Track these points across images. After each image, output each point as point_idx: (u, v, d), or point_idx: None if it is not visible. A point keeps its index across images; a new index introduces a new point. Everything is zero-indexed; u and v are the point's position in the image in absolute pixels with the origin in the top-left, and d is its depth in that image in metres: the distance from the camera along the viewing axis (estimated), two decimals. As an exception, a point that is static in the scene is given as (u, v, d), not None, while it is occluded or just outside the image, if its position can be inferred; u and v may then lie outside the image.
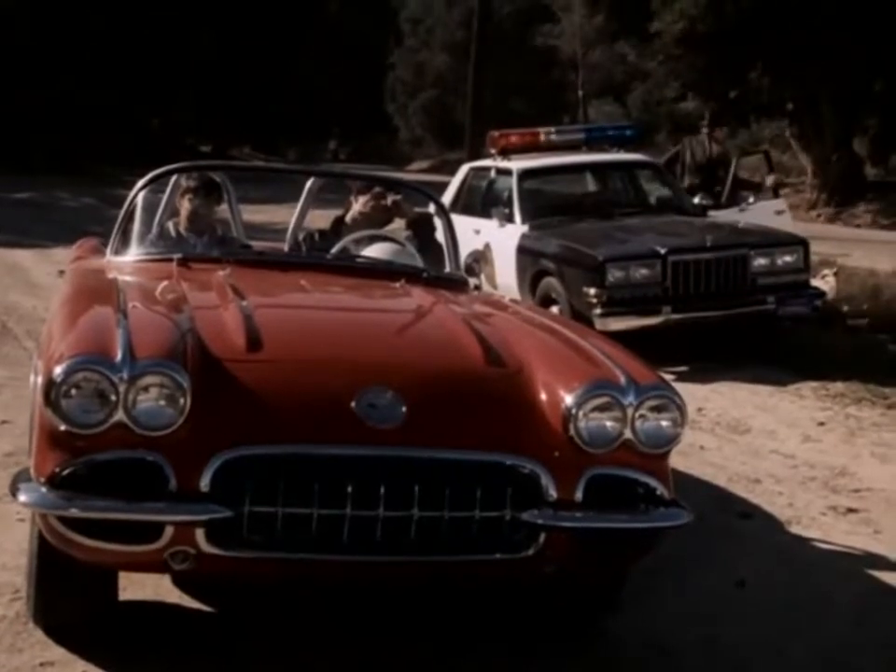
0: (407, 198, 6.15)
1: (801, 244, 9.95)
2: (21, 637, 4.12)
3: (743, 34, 22.60)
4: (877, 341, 10.24)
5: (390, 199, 5.96)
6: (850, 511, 6.12)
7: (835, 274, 11.68)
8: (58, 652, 4.01)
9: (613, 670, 4.17)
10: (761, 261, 9.61)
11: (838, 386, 8.69)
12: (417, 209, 6.35)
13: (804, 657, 4.37)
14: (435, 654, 4.18)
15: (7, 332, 9.70)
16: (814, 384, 8.80)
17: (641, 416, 3.83)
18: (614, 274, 9.34)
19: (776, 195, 12.28)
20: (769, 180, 12.31)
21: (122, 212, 5.58)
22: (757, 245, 9.78)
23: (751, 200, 11.61)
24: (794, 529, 5.85)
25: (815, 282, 10.71)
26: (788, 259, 9.76)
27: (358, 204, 5.94)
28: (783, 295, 9.51)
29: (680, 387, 4.47)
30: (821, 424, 7.88)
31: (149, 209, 5.62)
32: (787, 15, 22.00)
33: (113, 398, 3.53)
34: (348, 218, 5.93)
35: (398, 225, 6.06)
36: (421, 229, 6.00)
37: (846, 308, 11.03)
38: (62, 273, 5.69)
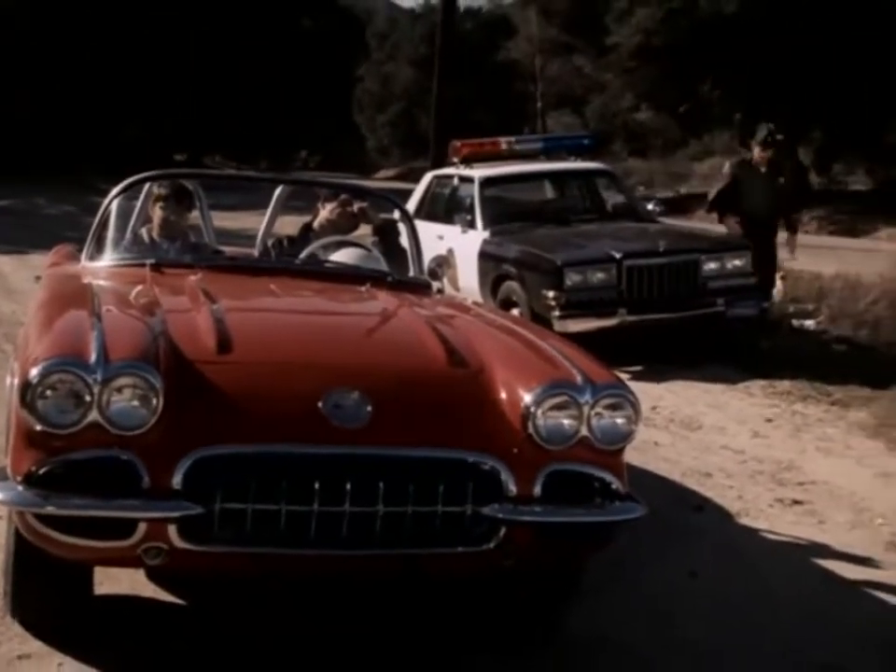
0: (373, 205, 6.13)
1: (749, 249, 9.99)
2: (-1, 631, 4.09)
3: (696, 48, 22.71)
4: (822, 340, 10.31)
5: (356, 206, 5.94)
6: (796, 502, 6.16)
7: (782, 278, 11.72)
8: (35, 645, 3.98)
9: (569, 661, 4.16)
10: (711, 265, 9.66)
11: (785, 385, 8.76)
12: (383, 216, 6.33)
13: (754, 645, 4.37)
14: (395, 648, 4.15)
15: (-15, 336, 9.62)
16: (762, 382, 8.86)
17: (597, 414, 3.83)
18: (572, 278, 9.37)
19: None
20: None
21: (97, 219, 5.54)
22: (707, 249, 9.84)
23: None
24: (743, 521, 5.88)
25: (763, 285, 10.74)
26: (737, 262, 9.81)
27: (326, 211, 5.92)
28: (732, 298, 9.56)
29: (635, 386, 4.48)
30: (769, 420, 7.92)
31: (123, 216, 5.59)
32: (737, 32, 22.14)
33: (87, 398, 3.50)
34: (316, 225, 5.91)
35: (364, 231, 6.05)
36: (386, 235, 5.98)
37: (792, 309, 11.10)
38: (38, 278, 5.62)
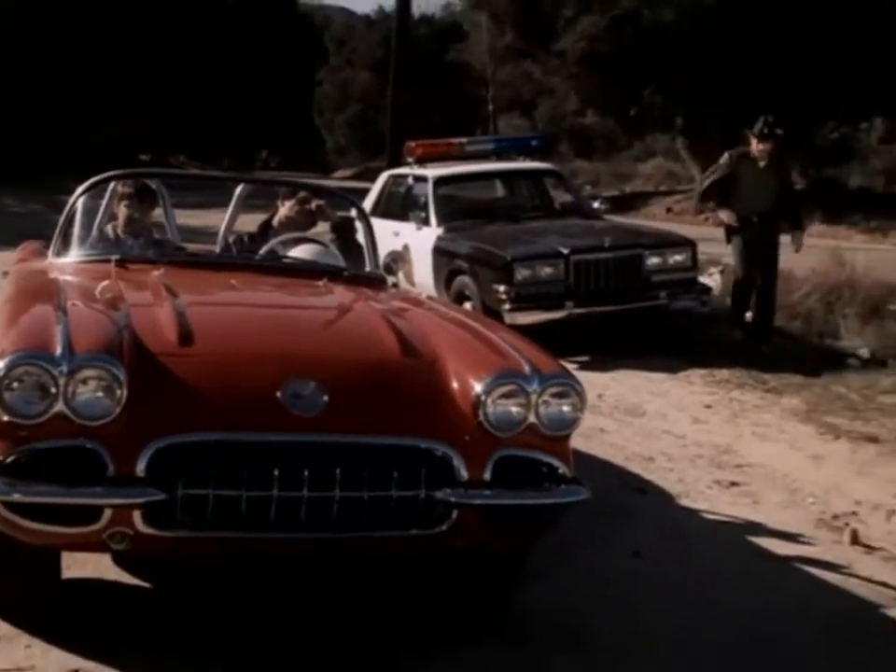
0: (330, 203, 6.12)
1: (690, 244, 10.07)
2: (-32, 614, 4.04)
3: (638, 55, 22.82)
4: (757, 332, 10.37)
5: (314, 204, 5.92)
6: (733, 484, 6.21)
7: (721, 272, 11.81)
8: (3, 628, 3.94)
9: (518, 642, 4.16)
10: (654, 260, 9.71)
11: (723, 373, 8.83)
12: (340, 213, 6.31)
13: (692, 619, 4.40)
14: (362, 636, 4.14)
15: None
16: (702, 371, 8.93)
17: (544, 402, 3.84)
18: (521, 273, 9.39)
19: None
20: None
21: (63, 216, 5.48)
22: (650, 245, 9.88)
23: None
24: (684, 502, 5.92)
25: (703, 279, 10.82)
26: (678, 258, 9.87)
27: (285, 209, 5.90)
28: (674, 291, 9.62)
29: (582, 376, 4.50)
30: (708, 407, 7.98)
31: (89, 213, 5.53)
32: (677, 39, 22.29)
33: (53, 390, 3.48)
34: (275, 222, 5.89)
35: (322, 228, 6.02)
36: (343, 231, 5.97)
37: (729, 302, 11.15)
38: (5, 274, 5.56)
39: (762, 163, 9.64)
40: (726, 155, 9.98)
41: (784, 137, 9.80)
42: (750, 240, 9.61)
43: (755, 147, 9.64)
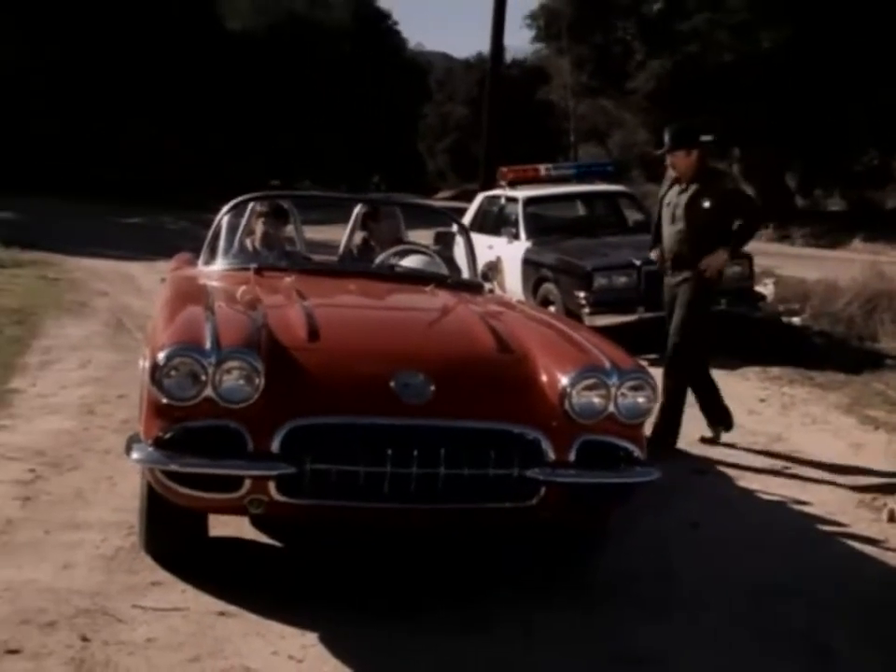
0: (436, 219, 6.11)
1: (747, 257, 9.88)
2: (136, 563, 4.12)
3: (700, 93, 22.62)
4: (806, 334, 10.17)
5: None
6: (784, 468, 6.08)
7: (774, 282, 11.61)
8: (164, 575, 4.02)
9: (587, 594, 4.13)
10: (714, 270, 9.51)
11: (775, 371, 8.67)
12: (440, 229, 6.33)
13: (743, 581, 4.34)
14: (455, 594, 4.11)
15: (122, 327, 9.72)
16: (756, 368, 8.76)
17: (622, 394, 3.81)
18: (599, 281, 9.32)
19: None
20: None
21: (210, 231, 5.56)
22: (712, 257, 9.68)
23: None
24: (740, 483, 5.80)
25: (758, 288, 10.63)
26: (737, 269, 9.67)
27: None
28: (733, 298, 9.45)
29: (653, 371, 4.43)
30: (762, 400, 7.83)
31: (231, 229, 5.59)
32: (736, 79, 22.05)
33: (203, 377, 3.53)
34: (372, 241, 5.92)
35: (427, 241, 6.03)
36: (446, 244, 5.97)
37: (781, 308, 10.96)
38: (163, 280, 5.65)
39: (670, 188, 6.42)
40: None
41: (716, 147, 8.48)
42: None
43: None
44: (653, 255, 6.66)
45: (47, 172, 28.78)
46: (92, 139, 30.61)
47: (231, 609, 3.76)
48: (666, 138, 6.29)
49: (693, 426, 6.68)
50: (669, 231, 6.36)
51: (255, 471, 3.51)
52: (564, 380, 3.78)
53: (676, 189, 6.34)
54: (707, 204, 6.17)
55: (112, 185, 29.64)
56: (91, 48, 30.21)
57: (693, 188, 6.23)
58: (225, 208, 5.63)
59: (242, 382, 3.56)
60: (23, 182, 26.73)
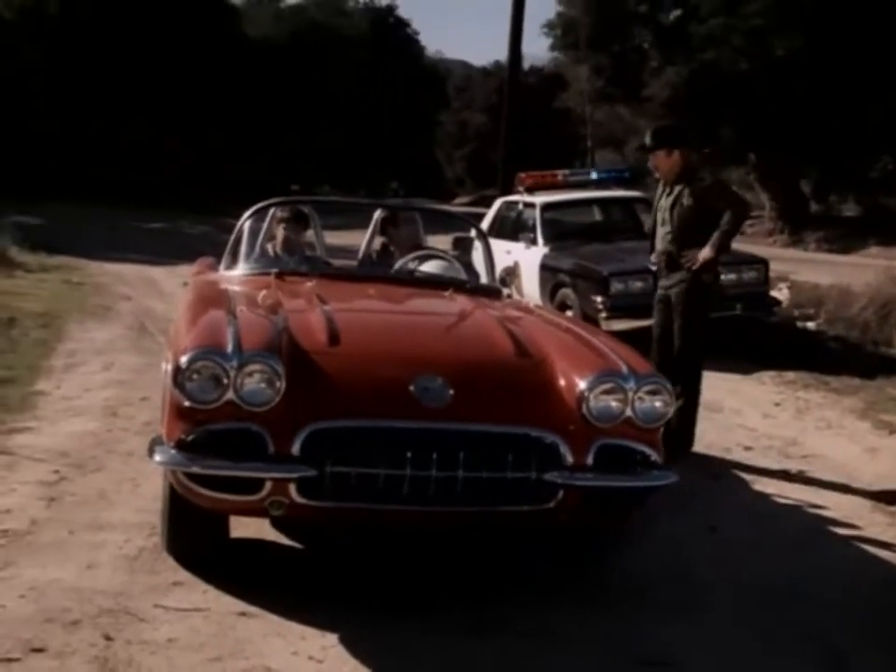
0: (454, 224, 6.09)
1: (762, 262, 9.88)
2: (158, 563, 4.13)
3: (716, 100, 22.58)
4: (821, 339, 10.12)
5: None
6: (799, 472, 6.04)
7: (789, 287, 11.55)
8: (185, 575, 4.02)
9: (603, 595, 4.11)
10: (731, 276, 9.46)
11: (790, 375, 8.61)
12: (458, 234, 6.31)
13: (756, 583, 4.31)
14: (472, 595, 4.11)
15: (144, 330, 9.76)
16: (771, 373, 8.72)
17: (639, 398, 3.79)
18: (616, 286, 9.29)
19: None
20: None
21: (232, 236, 5.57)
22: (728, 262, 9.63)
23: None
24: (756, 486, 5.77)
25: (773, 293, 10.58)
26: (752, 274, 9.68)
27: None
28: (748, 303, 9.42)
29: (668, 376, 4.42)
30: (777, 404, 7.79)
31: (253, 234, 5.59)
32: (751, 86, 22.00)
33: (225, 381, 3.53)
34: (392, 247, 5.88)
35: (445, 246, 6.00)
36: (464, 249, 5.95)
37: (797, 313, 10.91)
38: (185, 284, 5.66)
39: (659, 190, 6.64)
40: None
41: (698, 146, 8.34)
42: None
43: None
44: (653, 258, 6.72)
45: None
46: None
47: (252, 609, 3.76)
48: (647, 139, 6.39)
49: (707, 429, 6.66)
50: (660, 234, 6.45)
51: (275, 474, 3.51)
52: (581, 384, 3.76)
53: (665, 192, 6.38)
54: (687, 203, 6.19)
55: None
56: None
57: (677, 189, 6.26)
58: (247, 213, 5.63)
59: (263, 385, 3.56)
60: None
